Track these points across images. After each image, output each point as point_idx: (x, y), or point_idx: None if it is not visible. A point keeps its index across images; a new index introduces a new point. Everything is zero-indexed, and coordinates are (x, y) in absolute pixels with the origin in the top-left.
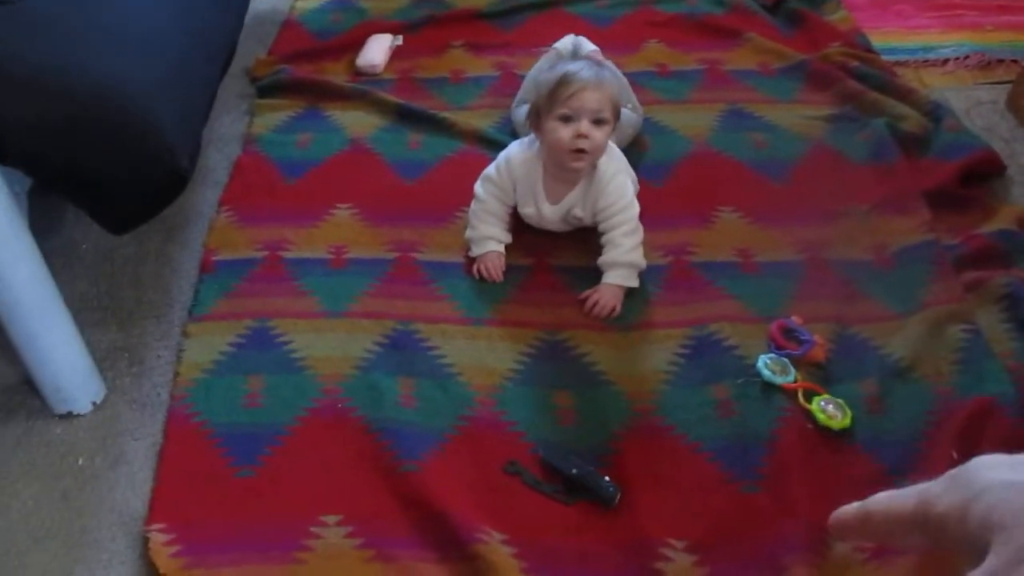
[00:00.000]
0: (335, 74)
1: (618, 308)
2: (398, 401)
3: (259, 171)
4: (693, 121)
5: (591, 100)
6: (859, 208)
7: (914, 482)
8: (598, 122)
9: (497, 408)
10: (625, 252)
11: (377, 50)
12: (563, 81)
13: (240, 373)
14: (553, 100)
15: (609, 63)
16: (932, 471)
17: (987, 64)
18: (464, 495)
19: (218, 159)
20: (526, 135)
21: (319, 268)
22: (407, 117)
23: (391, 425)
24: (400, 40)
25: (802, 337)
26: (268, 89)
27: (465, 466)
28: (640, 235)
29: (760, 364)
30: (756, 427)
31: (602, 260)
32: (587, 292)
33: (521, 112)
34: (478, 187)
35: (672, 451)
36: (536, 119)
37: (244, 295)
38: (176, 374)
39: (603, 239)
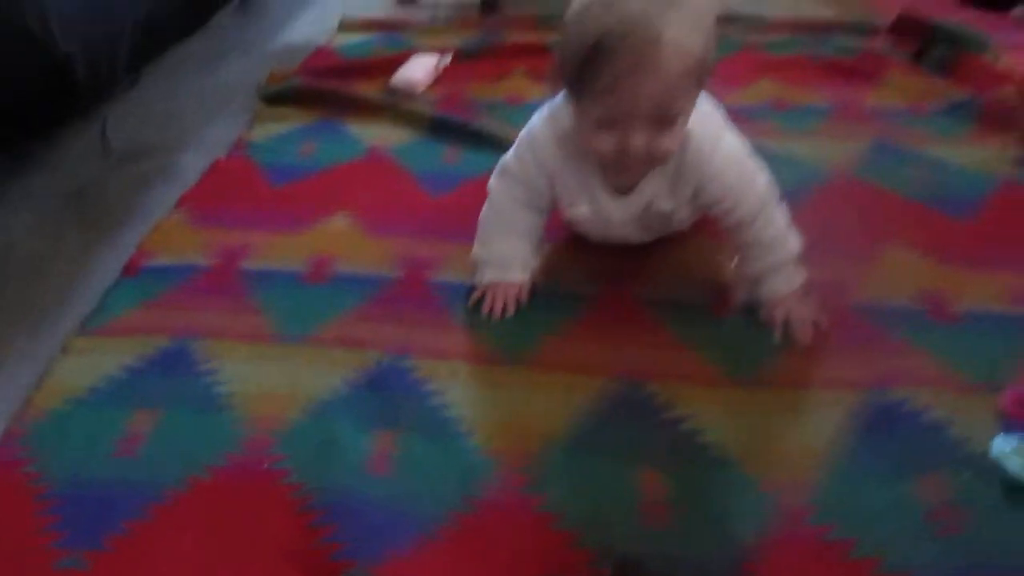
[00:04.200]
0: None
1: (823, 322)
2: (364, 464)
3: (240, 173)
4: (827, 153)
5: (648, 94)
6: None
7: None
8: (663, 121)
9: (531, 488)
10: (784, 248)
11: (418, 68)
12: (597, 53)
13: (126, 407)
14: (584, 86)
15: None
16: None
17: None
18: None
19: (193, 161)
20: None
21: (286, 281)
22: (446, 130)
23: (344, 500)
24: (448, 60)
25: None
26: (278, 99)
27: None
28: (782, 209)
29: (1000, 449)
30: (1004, 552)
31: (754, 270)
32: (767, 316)
33: None
34: (492, 184)
35: None
36: (562, 86)
37: (169, 305)
38: (25, 402)
39: (738, 238)
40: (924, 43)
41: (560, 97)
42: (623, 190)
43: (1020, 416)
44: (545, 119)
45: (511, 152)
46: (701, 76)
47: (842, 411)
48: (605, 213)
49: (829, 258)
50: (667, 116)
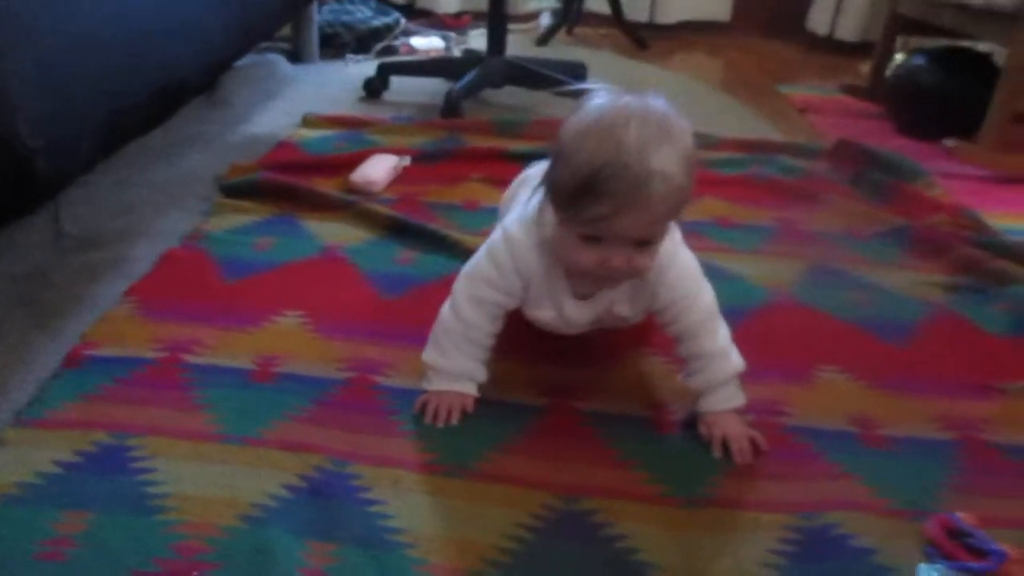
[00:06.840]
0: (324, 187)
1: (759, 440)
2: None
3: (193, 266)
4: (769, 272)
5: (635, 225)
6: (1019, 384)
7: None
8: (645, 244)
9: None
10: (727, 363)
11: (378, 167)
12: (593, 185)
13: (55, 507)
14: (576, 210)
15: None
16: None
17: None
18: None
19: (145, 252)
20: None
21: (232, 379)
22: (401, 232)
23: None
24: (407, 161)
25: (985, 546)
26: (236, 191)
27: None
28: (724, 327)
29: None
30: None
31: (696, 383)
32: (705, 432)
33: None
34: (462, 298)
35: None
36: (549, 200)
37: (110, 399)
38: None
39: (682, 348)
40: (861, 169)
41: (536, 203)
42: (585, 295)
43: (945, 546)
44: (523, 225)
45: (482, 258)
46: (683, 204)
47: (772, 534)
48: (566, 316)
49: (766, 378)
50: (650, 240)
